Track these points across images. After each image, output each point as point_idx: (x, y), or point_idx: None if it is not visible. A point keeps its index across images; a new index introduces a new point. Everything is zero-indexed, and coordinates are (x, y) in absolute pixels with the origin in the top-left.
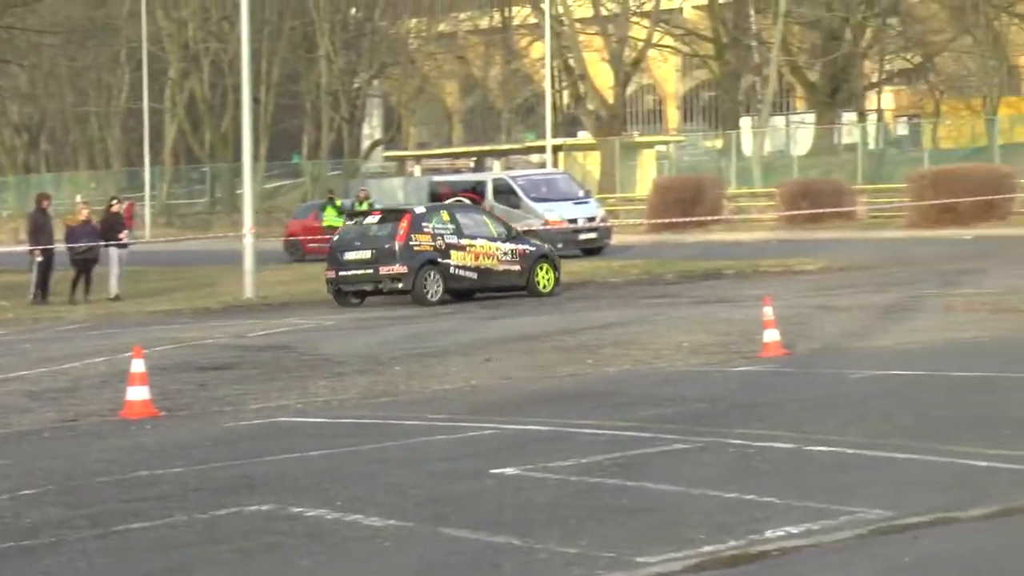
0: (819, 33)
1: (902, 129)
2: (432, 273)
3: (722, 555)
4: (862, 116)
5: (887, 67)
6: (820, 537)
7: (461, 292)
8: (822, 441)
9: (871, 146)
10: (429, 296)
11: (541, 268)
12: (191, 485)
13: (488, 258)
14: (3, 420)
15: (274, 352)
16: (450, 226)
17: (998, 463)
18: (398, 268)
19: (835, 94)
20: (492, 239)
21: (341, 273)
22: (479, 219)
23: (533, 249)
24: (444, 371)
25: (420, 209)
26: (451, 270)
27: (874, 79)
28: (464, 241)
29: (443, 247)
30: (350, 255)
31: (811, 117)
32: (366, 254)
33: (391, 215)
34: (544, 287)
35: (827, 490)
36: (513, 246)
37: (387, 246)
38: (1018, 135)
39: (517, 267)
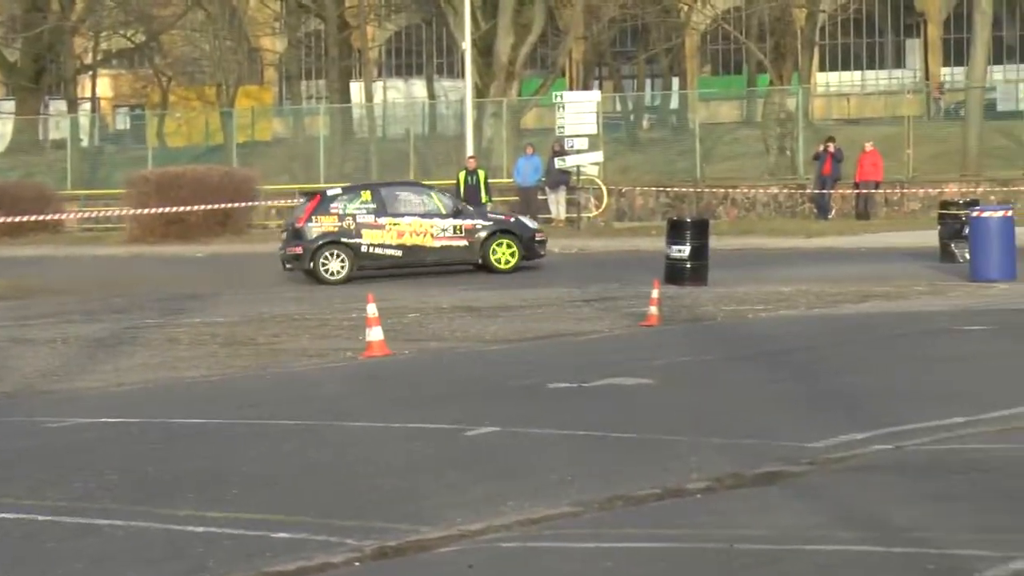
0: (19, 1)
1: (122, 122)
2: (334, 252)
3: None
4: (73, 106)
5: (104, 46)
6: None
7: (385, 269)
8: (10, 507)
9: (84, 142)
10: (328, 275)
11: (500, 244)
12: None
13: (417, 235)
14: None
15: None
16: (369, 205)
17: (217, 528)
18: (296, 248)
19: (40, 78)
20: (427, 216)
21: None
22: (416, 198)
23: (487, 224)
24: None
25: (332, 191)
26: (363, 248)
27: (88, 60)
28: (384, 220)
29: (352, 227)
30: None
31: (10, 105)
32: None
33: (310, 197)
34: (502, 263)
35: (11, 567)
36: (458, 222)
37: (293, 227)
38: (261, 132)
39: (463, 242)
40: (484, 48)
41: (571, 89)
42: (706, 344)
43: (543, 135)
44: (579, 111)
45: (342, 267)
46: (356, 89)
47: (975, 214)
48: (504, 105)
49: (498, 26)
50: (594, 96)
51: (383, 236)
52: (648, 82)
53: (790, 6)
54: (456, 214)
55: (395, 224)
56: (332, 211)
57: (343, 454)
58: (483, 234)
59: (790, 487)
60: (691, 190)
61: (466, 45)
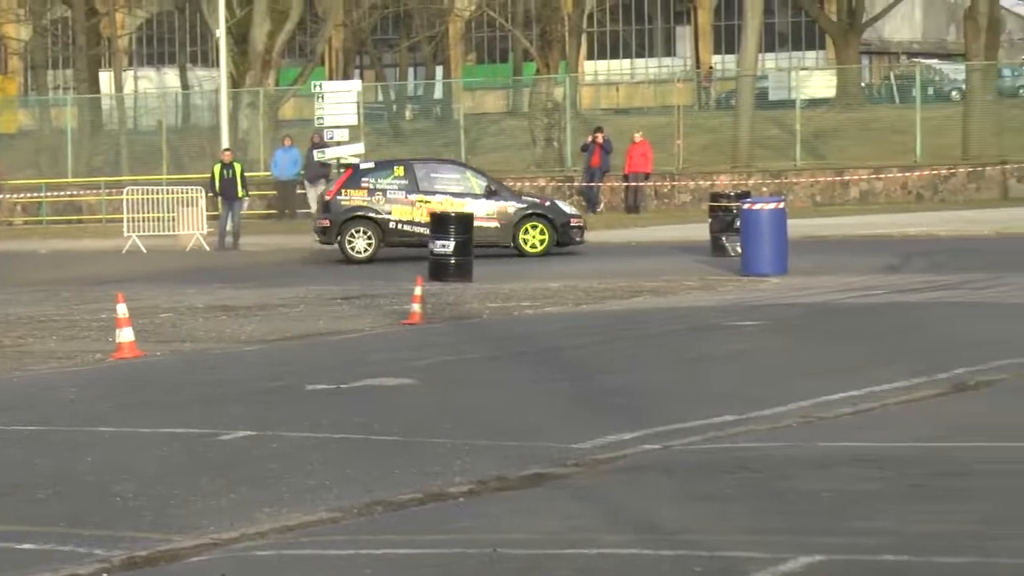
0: None
1: None
2: (360, 228)
3: None
4: None
5: None
6: None
7: (413, 248)
8: None
9: None
10: (353, 252)
11: (533, 227)
12: None
13: None
14: None
15: None
16: (401, 181)
17: None
18: (324, 222)
19: None
20: (459, 195)
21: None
22: (451, 176)
23: (520, 207)
24: None
25: (366, 164)
26: (392, 225)
27: None
28: (414, 197)
29: (382, 202)
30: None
31: None
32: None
33: (345, 169)
34: (531, 247)
35: None
36: (491, 203)
37: (323, 199)
38: (5, 124)
39: (495, 224)
40: (240, 36)
41: (331, 78)
42: (471, 342)
43: (302, 126)
44: (339, 101)
45: (368, 245)
46: (105, 79)
47: (746, 206)
48: (261, 95)
49: (254, 13)
50: (354, 85)
51: (412, 213)
52: (411, 71)
53: None
54: (489, 195)
55: (425, 202)
56: (363, 185)
57: (91, 461)
58: (516, 217)
59: (556, 489)
60: None
61: (220, 33)
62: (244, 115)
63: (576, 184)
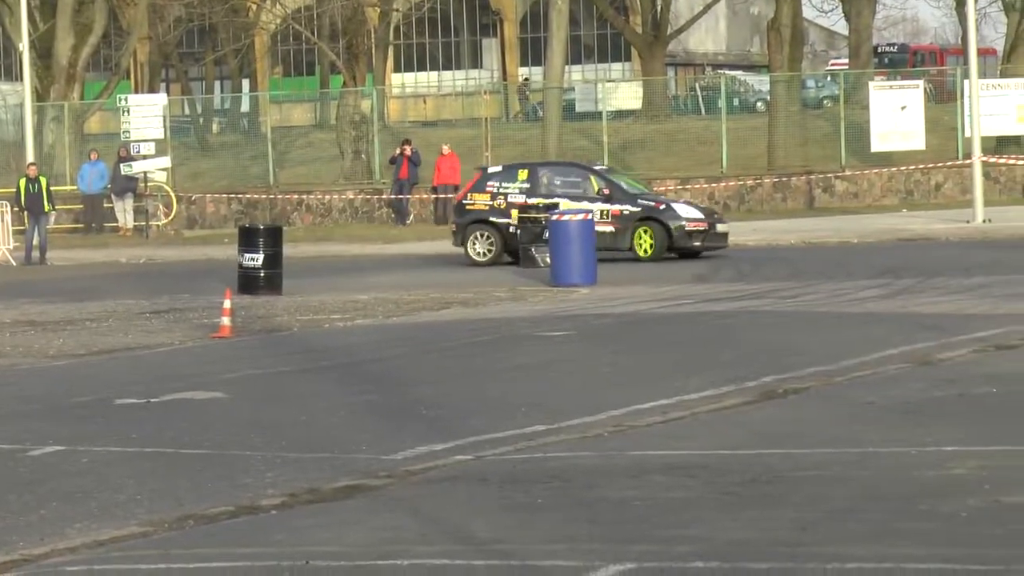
0: None
1: None
2: (481, 232)
3: None
4: None
5: None
6: None
7: None
8: None
9: None
10: (476, 255)
11: (643, 231)
12: None
13: None
14: None
15: None
16: (523, 185)
17: None
18: (453, 225)
19: None
20: (577, 199)
21: None
22: (573, 179)
23: (634, 210)
24: None
25: (494, 168)
26: (511, 230)
27: None
28: (533, 201)
29: (503, 206)
30: None
31: None
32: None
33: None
34: (644, 251)
35: None
36: (606, 207)
37: (457, 202)
38: None
39: (610, 228)
40: (43, 49)
41: (136, 92)
42: (281, 355)
43: (108, 140)
44: (145, 115)
45: (489, 249)
46: None
47: (555, 218)
48: (65, 109)
49: (57, 26)
50: (160, 99)
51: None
52: (217, 84)
53: (362, 5)
54: (606, 199)
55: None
56: (487, 189)
57: None
58: (630, 220)
59: (369, 500)
60: (264, 196)
61: (23, 46)
62: (49, 129)
63: (385, 196)
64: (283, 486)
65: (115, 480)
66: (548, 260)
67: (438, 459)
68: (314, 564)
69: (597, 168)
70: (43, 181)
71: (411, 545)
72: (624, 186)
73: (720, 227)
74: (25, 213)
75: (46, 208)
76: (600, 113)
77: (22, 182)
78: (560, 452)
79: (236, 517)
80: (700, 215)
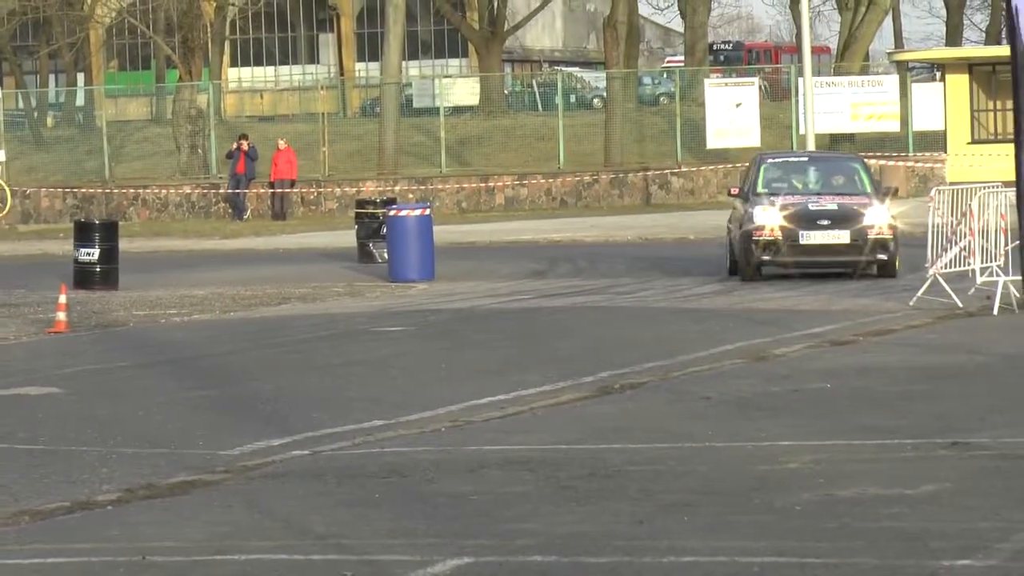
0: None
1: None
2: None
3: None
4: None
5: None
6: None
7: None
8: None
9: None
10: None
11: None
12: None
13: None
14: None
15: None
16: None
17: None
18: None
19: None
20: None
21: None
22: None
23: None
24: None
25: None
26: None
27: None
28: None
29: None
30: None
31: None
32: None
33: None
34: None
35: None
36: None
37: None
38: None
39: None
40: None
41: None
42: (117, 351)
43: None
44: None
45: None
46: None
47: (392, 213)
48: None
49: None
50: None
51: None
52: (52, 78)
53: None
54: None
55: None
56: None
57: None
58: None
59: (205, 496)
60: (100, 191)
61: None
62: None
63: (222, 191)
64: (119, 481)
65: None
66: (385, 255)
67: (275, 454)
68: (151, 559)
69: None
70: None
71: (248, 540)
72: None
73: None
74: None
75: None
76: (437, 109)
77: None
78: (397, 447)
79: (72, 513)
80: (890, 219)
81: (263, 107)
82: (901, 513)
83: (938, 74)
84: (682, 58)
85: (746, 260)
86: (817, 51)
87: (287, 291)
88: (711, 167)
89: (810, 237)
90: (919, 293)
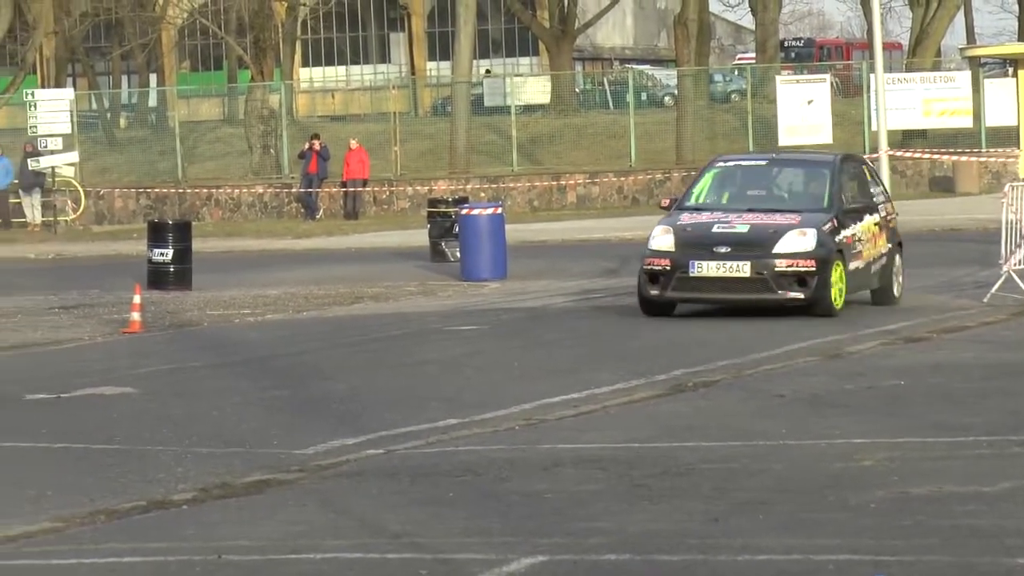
0: None
1: None
2: None
3: None
4: None
5: None
6: None
7: None
8: None
9: None
10: None
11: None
12: None
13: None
14: None
15: None
16: None
17: None
18: None
19: None
20: None
21: None
22: None
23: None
24: None
25: None
26: None
27: None
28: None
29: None
30: None
31: None
32: None
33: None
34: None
35: None
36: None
37: None
38: None
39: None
40: None
41: (43, 87)
42: (191, 351)
43: (14, 135)
44: (52, 109)
45: None
46: None
47: (464, 212)
48: None
49: None
50: (67, 94)
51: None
52: (125, 79)
53: (269, 0)
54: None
55: None
56: None
57: None
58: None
59: (280, 495)
60: (173, 191)
61: None
62: None
63: (294, 191)
64: (194, 480)
65: (24, 475)
66: (458, 254)
67: (349, 453)
68: (227, 558)
69: None
70: None
71: (323, 539)
72: None
73: None
74: None
75: None
76: (508, 107)
77: None
78: (471, 446)
79: (147, 512)
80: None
81: (335, 107)
82: (976, 510)
83: (1010, 70)
84: (753, 55)
85: (639, 294)
86: (888, 47)
87: (360, 290)
88: None
89: (701, 268)
90: (993, 289)
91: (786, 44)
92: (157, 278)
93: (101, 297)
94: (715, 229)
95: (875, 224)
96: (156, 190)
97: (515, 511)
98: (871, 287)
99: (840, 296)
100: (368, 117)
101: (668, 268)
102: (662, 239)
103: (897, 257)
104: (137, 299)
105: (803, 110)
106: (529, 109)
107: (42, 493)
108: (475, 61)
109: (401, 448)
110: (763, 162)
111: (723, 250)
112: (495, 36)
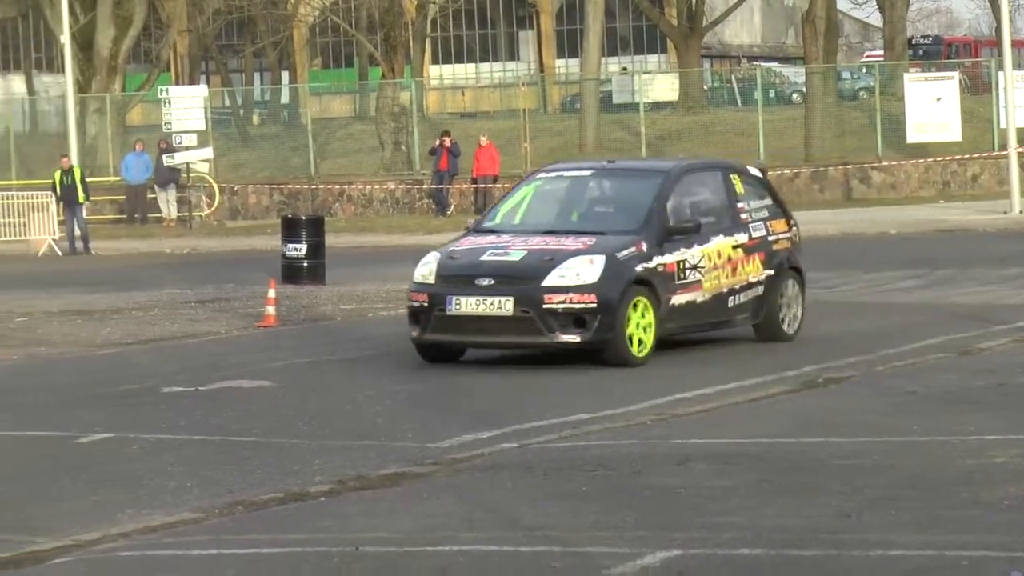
0: None
1: None
2: None
3: None
4: None
5: None
6: None
7: None
8: None
9: None
10: None
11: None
12: None
13: None
14: None
15: None
16: None
17: None
18: None
19: None
20: None
21: None
22: None
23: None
24: None
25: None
26: None
27: None
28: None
29: None
30: None
31: None
32: None
33: None
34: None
35: None
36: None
37: None
38: None
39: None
40: (84, 42)
41: (177, 84)
42: (325, 345)
43: (149, 131)
44: (186, 106)
45: None
46: None
47: None
48: (107, 101)
49: (98, 18)
50: (200, 91)
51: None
52: (257, 76)
53: None
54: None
55: None
56: None
57: None
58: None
59: (415, 488)
60: (306, 187)
61: (65, 39)
62: (92, 121)
63: (425, 187)
64: (330, 473)
65: (164, 467)
66: None
67: (483, 447)
68: (364, 550)
69: None
70: (77, 172)
71: (458, 532)
72: None
73: None
74: (61, 204)
75: (80, 199)
76: (637, 104)
77: (57, 174)
78: (604, 440)
79: (285, 504)
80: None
81: (464, 104)
82: None
83: None
84: (881, 53)
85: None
86: (1018, 45)
87: None
88: (912, 161)
89: (460, 305)
90: None
91: (914, 42)
92: (291, 273)
93: (236, 291)
94: (484, 257)
95: (734, 247)
96: (289, 186)
97: (648, 505)
98: (730, 323)
99: (646, 339)
100: (497, 114)
101: (426, 305)
102: (423, 269)
103: (790, 285)
104: (272, 293)
105: (931, 107)
106: (657, 106)
107: (181, 484)
108: (603, 59)
109: (534, 442)
110: (587, 172)
111: (485, 282)
112: (623, 34)
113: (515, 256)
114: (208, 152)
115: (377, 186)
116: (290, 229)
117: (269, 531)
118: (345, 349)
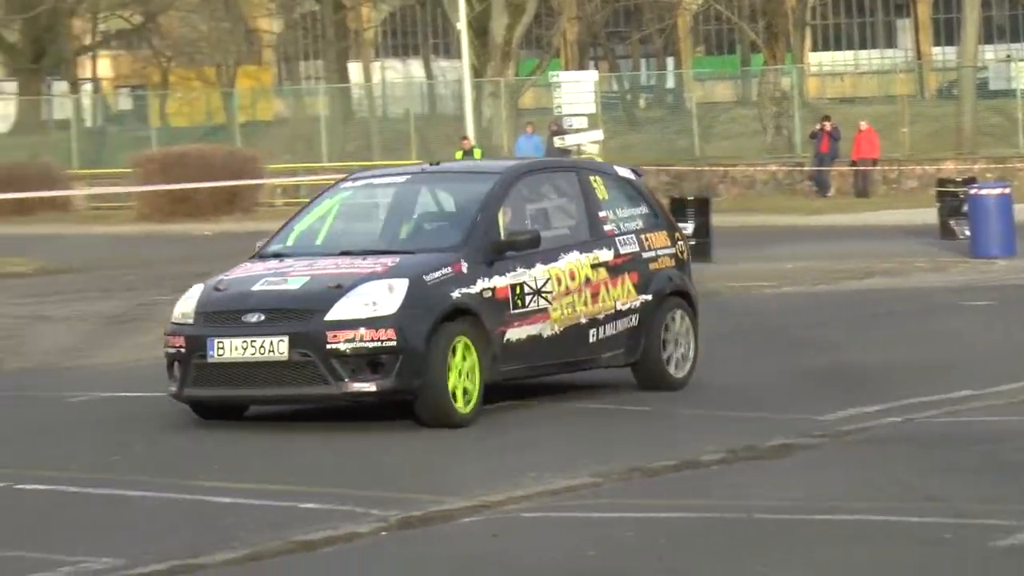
0: None
1: (125, 102)
2: None
3: None
4: (75, 87)
5: (101, 27)
6: None
7: None
8: (38, 479)
9: (88, 123)
10: None
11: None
12: None
13: None
14: None
15: None
16: None
17: (244, 499)
18: None
19: (40, 59)
20: None
21: None
22: None
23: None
24: None
25: None
26: None
27: (87, 41)
28: None
29: None
30: None
31: (12, 86)
32: None
33: None
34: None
35: (42, 536)
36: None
37: None
38: (262, 112)
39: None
40: (479, 29)
41: (566, 69)
42: (713, 319)
43: (541, 114)
44: (576, 91)
45: None
46: (354, 69)
47: (973, 192)
48: (501, 85)
49: (492, 7)
50: (591, 76)
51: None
52: (643, 62)
53: None
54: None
55: None
56: None
57: (363, 431)
58: None
59: (804, 458)
60: (691, 169)
61: (461, 26)
62: (486, 104)
63: (806, 170)
64: (721, 443)
65: (566, 434)
66: (967, 232)
67: (869, 421)
68: (758, 517)
69: None
70: (477, 153)
71: (846, 501)
72: None
73: None
74: None
75: None
76: (1014, 91)
77: (459, 155)
78: (988, 416)
79: (679, 471)
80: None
81: (844, 89)
82: None
83: None
84: None
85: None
86: None
87: (872, 265)
88: None
89: (223, 349)
90: None
91: None
92: None
93: None
94: (256, 287)
95: (593, 266)
96: (675, 167)
97: None
98: (594, 362)
99: (472, 389)
100: (876, 100)
101: (183, 350)
102: (183, 305)
103: (677, 316)
104: None
105: None
106: None
107: (582, 451)
108: (979, 46)
109: (919, 417)
110: (402, 179)
111: (254, 319)
112: (999, 22)
113: (294, 284)
114: (599, 135)
115: (759, 168)
116: (677, 209)
117: (663, 496)
118: (732, 324)
